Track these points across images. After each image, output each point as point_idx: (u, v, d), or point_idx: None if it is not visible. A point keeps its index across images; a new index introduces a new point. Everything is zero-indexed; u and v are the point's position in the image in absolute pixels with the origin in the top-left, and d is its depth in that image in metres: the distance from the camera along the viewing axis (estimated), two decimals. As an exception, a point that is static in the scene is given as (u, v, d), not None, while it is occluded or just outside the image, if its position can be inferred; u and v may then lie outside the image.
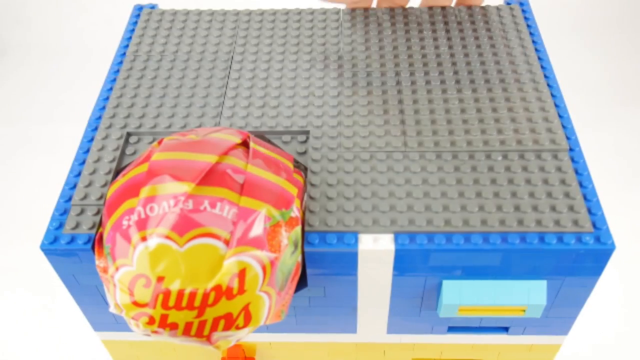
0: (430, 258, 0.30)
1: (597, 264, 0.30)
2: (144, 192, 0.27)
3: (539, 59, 0.40)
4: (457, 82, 0.37)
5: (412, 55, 0.39)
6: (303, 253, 0.30)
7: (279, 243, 0.27)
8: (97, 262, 0.29)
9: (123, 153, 0.35)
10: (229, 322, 0.26)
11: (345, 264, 0.31)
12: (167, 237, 0.26)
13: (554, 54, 0.47)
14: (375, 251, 0.30)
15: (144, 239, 0.26)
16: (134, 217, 0.26)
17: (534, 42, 0.41)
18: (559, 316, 0.35)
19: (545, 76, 0.38)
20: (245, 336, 0.28)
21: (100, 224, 0.31)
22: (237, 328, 0.27)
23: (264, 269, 0.26)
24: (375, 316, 0.36)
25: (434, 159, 0.33)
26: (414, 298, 0.34)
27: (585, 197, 0.31)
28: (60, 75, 0.83)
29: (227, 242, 0.26)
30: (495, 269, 0.31)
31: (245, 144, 0.31)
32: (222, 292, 0.26)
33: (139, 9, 0.46)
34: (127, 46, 0.43)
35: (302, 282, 0.32)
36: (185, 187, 0.27)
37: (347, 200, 0.31)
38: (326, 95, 0.37)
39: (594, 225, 0.30)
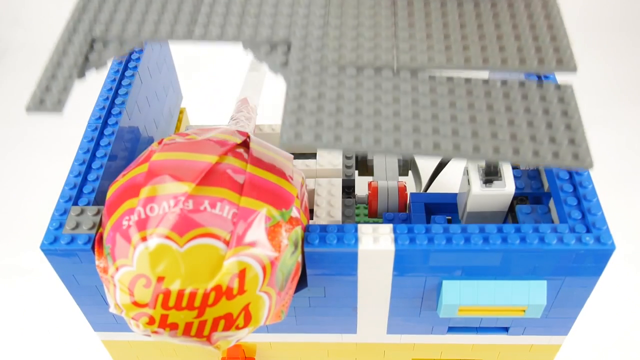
0: (430, 258, 0.30)
1: (597, 264, 0.30)
2: (144, 192, 0.27)
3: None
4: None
5: None
6: (303, 253, 0.30)
7: (279, 243, 0.27)
8: (97, 262, 0.29)
9: (86, 59, 0.31)
10: (229, 322, 0.26)
11: (345, 264, 0.31)
12: (167, 237, 0.26)
13: (554, 54, 0.47)
14: (375, 251, 0.30)
15: (144, 239, 0.26)
16: (134, 217, 0.26)
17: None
18: (559, 316, 0.35)
19: (545, 76, 0.38)
20: (245, 336, 0.28)
21: (100, 224, 0.31)
22: (237, 328, 0.27)
23: (264, 269, 0.27)
24: (375, 316, 0.36)
25: (426, 78, 0.29)
26: (414, 298, 0.34)
27: (585, 197, 0.31)
28: (61, 75, 0.83)
29: (227, 243, 0.26)
30: (495, 269, 0.31)
31: (245, 144, 0.31)
32: (222, 292, 0.26)
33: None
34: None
35: (302, 283, 0.32)
36: (185, 187, 0.27)
37: (328, 116, 0.27)
38: (312, 5, 0.33)
39: (594, 226, 0.30)
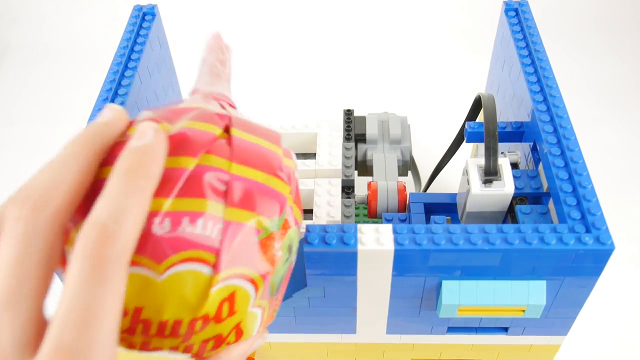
0: (429, 258, 0.30)
1: (597, 264, 0.30)
2: None
3: (539, 59, 0.40)
4: None
5: None
6: (302, 253, 0.30)
7: (272, 257, 0.24)
8: None
9: None
10: (219, 341, 0.24)
11: (345, 264, 0.31)
12: (142, 265, 0.22)
13: (554, 55, 0.47)
14: (375, 251, 0.30)
15: None
16: None
17: (533, 42, 0.41)
18: (558, 316, 0.35)
19: (545, 76, 0.38)
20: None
21: None
22: (228, 344, 0.25)
23: (255, 286, 0.24)
24: (374, 316, 0.36)
25: None
26: (414, 298, 0.34)
27: (584, 197, 0.31)
28: (60, 75, 0.83)
29: (213, 265, 0.22)
30: (494, 269, 0.31)
31: (227, 131, 0.26)
32: (210, 319, 0.23)
33: (139, 9, 0.46)
34: (126, 47, 0.43)
35: (301, 282, 0.32)
36: (160, 205, 0.22)
37: None
38: None
39: (594, 226, 0.30)
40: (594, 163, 0.56)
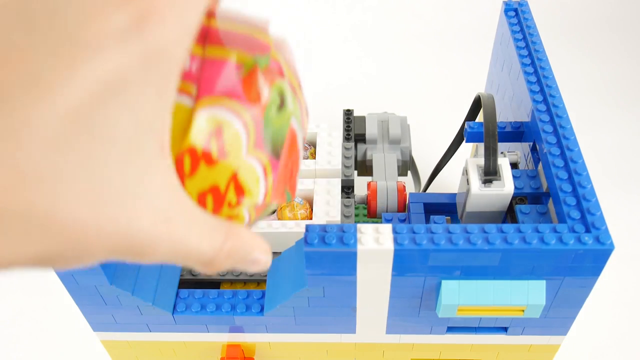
0: (429, 258, 0.30)
1: (596, 264, 0.30)
2: None
3: (538, 59, 0.40)
4: None
5: None
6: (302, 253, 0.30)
7: (258, 93, 0.23)
8: None
9: None
10: (218, 197, 0.22)
11: (345, 264, 0.31)
12: None
13: (554, 55, 0.47)
14: (375, 251, 0.30)
15: None
16: None
17: (533, 42, 0.41)
18: (558, 316, 0.35)
19: (544, 76, 0.38)
20: (254, 220, 0.25)
21: None
22: (230, 206, 0.23)
23: (245, 125, 0.22)
24: (374, 316, 0.36)
25: None
26: (413, 298, 0.34)
27: (584, 197, 0.31)
28: (60, 75, 0.83)
29: (193, 96, 0.22)
30: (494, 269, 0.31)
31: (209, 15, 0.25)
32: (198, 157, 0.21)
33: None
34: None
35: (301, 282, 0.32)
36: None
37: None
38: None
39: (593, 225, 0.30)
40: (594, 163, 0.57)
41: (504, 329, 0.36)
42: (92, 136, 0.15)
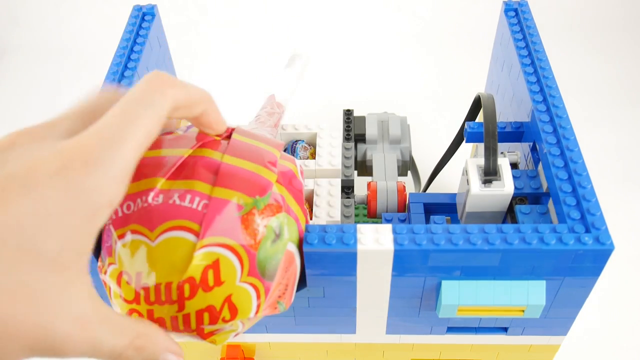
0: (429, 258, 0.30)
1: (596, 264, 0.30)
2: None
3: (538, 59, 0.40)
4: None
5: None
6: (301, 246, 0.30)
7: (254, 232, 0.27)
8: (98, 264, 0.29)
9: None
10: (214, 315, 0.26)
11: (345, 264, 0.31)
12: (139, 233, 0.26)
13: (553, 55, 0.47)
14: (375, 252, 0.30)
15: (121, 236, 0.26)
16: (113, 217, 0.27)
17: (533, 42, 0.41)
18: (558, 316, 0.35)
19: (544, 76, 0.38)
20: (242, 330, 0.28)
21: None
22: (225, 321, 0.27)
23: (239, 259, 0.26)
24: (374, 317, 0.36)
25: None
26: (413, 298, 0.34)
27: (584, 197, 0.31)
28: (60, 75, 0.83)
29: (197, 234, 0.26)
30: (494, 269, 0.31)
31: (228, 136, 0.30)
32: (196, 284, 0.25)
33: (139, 9, 0.46)
34: (126, 47, 0.43)
35: (301, 283, 0.32)
36: (156, 183, 0.27)
37: None
38: None
39: (593, 226, 0.30)
40: (594, 163, 0.56)
41: (504, 329, 0.36)
42: (19, 250, 0.19)
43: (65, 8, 0.90)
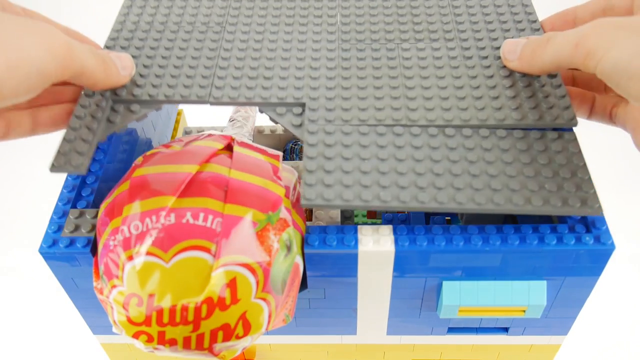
0: (430, 259, 0.30)
1: (597, 264, 0.30)
2: (127, 210, 0.27)
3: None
4: (466, 57, 0.34)
5: (414, 25, 0.37)
6: (303, 255, 0.30)
7: (269, 247, 0.27)
8: (94, 283, 0.28)
9: (109, 121, 0.31)
10: (228, 332, 0.26)
11: (345, 265, 0.31)
12: (152, 254, 0.25)
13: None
14: (375, 252, 0.30)
15: (130, 258, 0.26)
16: (119, 237, 0.26)
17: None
18: (558, 316, 0.35)
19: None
20: (250, 344, 0.28)
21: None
22: (238, 337, 0.26)
23: (255, 276, 0.26)
24: (375, 317, 0.36)
25: (436, 133, 0.30)
26: (414, 299, 0.34)
27: (584, 198, 0.31)
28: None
29: (213, 253, 0.25)
30: (495, 270, 0.31)
31: (229, 148, 0.30)
32: (214, 304, 0.25)
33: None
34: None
35: (302, 284, 0.32)
36: (166, 201, 0.26)
37: (345, 174, 0.29)
38: (322, 67, 0.34)
39: (594, 226, 0.30)
40: (594, 163, 0.56)
41: (505, 330, 0.36)
42: None
43: (64, 9, 0.90)
